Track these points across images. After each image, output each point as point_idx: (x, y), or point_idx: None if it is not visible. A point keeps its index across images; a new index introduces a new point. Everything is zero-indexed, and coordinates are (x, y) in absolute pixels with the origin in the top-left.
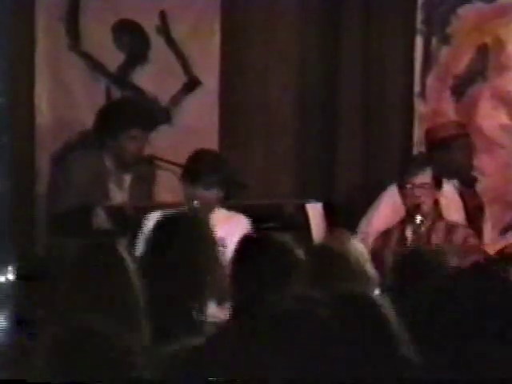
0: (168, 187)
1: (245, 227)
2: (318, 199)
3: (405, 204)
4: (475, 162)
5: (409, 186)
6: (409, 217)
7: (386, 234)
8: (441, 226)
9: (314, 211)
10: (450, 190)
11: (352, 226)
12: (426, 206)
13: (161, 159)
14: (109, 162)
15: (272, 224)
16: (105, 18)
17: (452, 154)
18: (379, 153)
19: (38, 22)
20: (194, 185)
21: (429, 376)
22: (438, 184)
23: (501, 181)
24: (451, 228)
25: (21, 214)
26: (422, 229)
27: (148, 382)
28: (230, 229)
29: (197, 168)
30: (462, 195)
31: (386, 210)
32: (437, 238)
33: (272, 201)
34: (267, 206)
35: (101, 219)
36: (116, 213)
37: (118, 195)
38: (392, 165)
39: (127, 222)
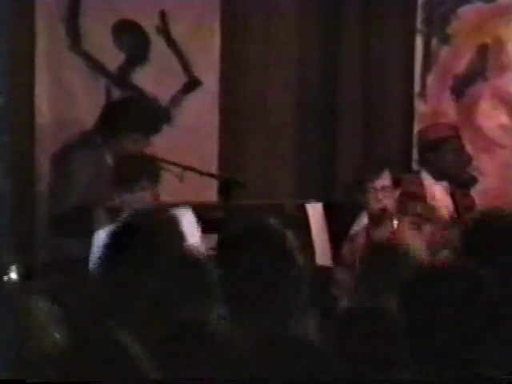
0: (168, 187)
1: (190, 219)
2: (318, 199)
3: (368, 208)
4: (475, 162)
5: (371, 190)
6: (374, 220)
7: (351, 239)
8: (406, 223)
9: (314, 211)
10: (439, 191)
11: (352, 226)
12: (389, 207)
13: (161, 159)
14: (110, 159)
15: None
16: (105, 18)
17: (442, 155)
18: (379, 153)
19: (38, 21)
20: (127, 192)
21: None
22: (396, 184)
23: (501, 181)
24: (418, 224)
25: (21, 214)
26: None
27: (148, 381)
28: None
29: (125, 176)
30: (453, 196)
31: None
32: (403, 236)
33: (272, 201)
34: (267, 206)
35: (101, 219)
36: (116, 213)
37: None
38: (392, 165)
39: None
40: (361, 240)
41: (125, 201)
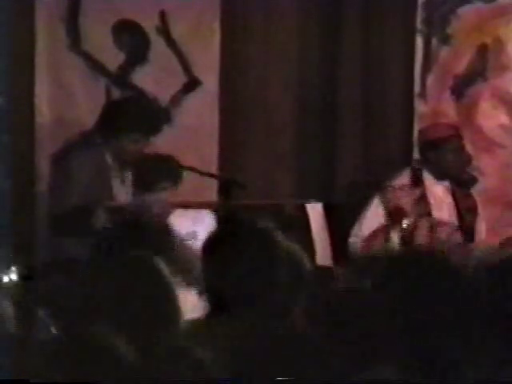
0: None
1: (209, 220)
2: (318, 199)
3: (386, 207)
4: (475, 162)
5: (389, 188)
6: (392, 219)
7: (370, 238)
8: (424, 223)
9: (314, 211)
10: (440, 191)
11: (352, 226)
12: (407, 206)
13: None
14: (110, 159)
15: (272, 224)
16: (105, 18)
17: (443, 155)
18: (379, 153)
19: (38, 21)
20: (147, 192)
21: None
22: (416, 183)
23: (501, 181)
24: (434, 225)
25: (21, 214)
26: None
27: (149, 381)
28: (196, 222)
29: (146, 176)
30: (454, 196)
31: (377, 214)
32: (420, 236)
33: (272, 201)
34: (267, 206)
35: (101, 219)
36: (117, 212)
37: (122, 191)
38: (392, 165)
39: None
40: (380, 238)
41: (144, 201)
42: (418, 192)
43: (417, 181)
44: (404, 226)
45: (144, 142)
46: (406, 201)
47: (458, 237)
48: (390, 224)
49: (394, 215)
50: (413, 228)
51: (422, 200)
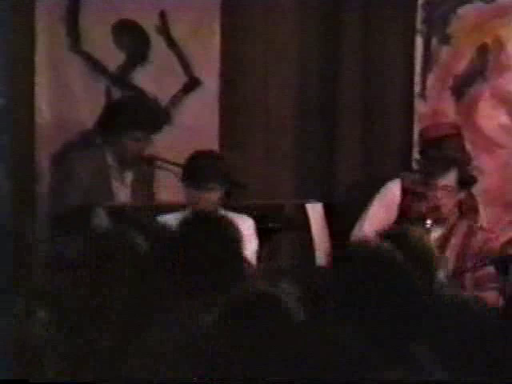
0: (167, 187)
1: (250, 227)
2: (318, 199)
3: (422, 205)
4: (475, 162)
5: (431, 187)
6: (421, 218)
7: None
8: (461, 228)
9: (314, 211)
10: None
11: (352, 226)
12: (447, 208)
13: (161, 159)
14: (110, 159)
15: (272, 224)
16: (105, 17)
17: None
18: (379, 153)
19: (38, 21)
20: (195, 188)
21: None
22: (461, 185)
23: (501, 181)
24: (471, 230)
25: (21, 214)
26: (433, 233)
27: (147, 381)
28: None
29: (195, 171)
30: None
31: (379, 213)
32: (456, 240)
33: (272, 201)
34: (267, 206)
35: (101, 219)
36: (117, 213)
37: (121, 191)
38: (392, 165)
39: (128, 221)
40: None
41: (190, 199)
42: (462, 194)
43: (465, 183)
44: (428, 226)
45: (145, 141)
46: (445, 202)
47: (494, 244)
48: (417, 222)
49: (426, 213)
50: (450, 231)
51: (424, 200)
